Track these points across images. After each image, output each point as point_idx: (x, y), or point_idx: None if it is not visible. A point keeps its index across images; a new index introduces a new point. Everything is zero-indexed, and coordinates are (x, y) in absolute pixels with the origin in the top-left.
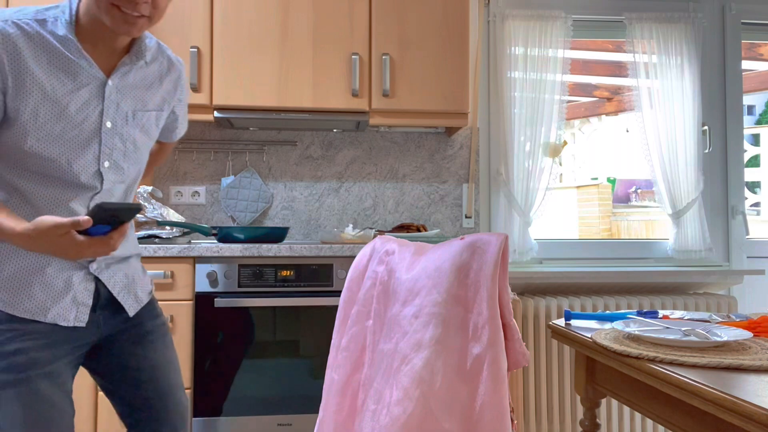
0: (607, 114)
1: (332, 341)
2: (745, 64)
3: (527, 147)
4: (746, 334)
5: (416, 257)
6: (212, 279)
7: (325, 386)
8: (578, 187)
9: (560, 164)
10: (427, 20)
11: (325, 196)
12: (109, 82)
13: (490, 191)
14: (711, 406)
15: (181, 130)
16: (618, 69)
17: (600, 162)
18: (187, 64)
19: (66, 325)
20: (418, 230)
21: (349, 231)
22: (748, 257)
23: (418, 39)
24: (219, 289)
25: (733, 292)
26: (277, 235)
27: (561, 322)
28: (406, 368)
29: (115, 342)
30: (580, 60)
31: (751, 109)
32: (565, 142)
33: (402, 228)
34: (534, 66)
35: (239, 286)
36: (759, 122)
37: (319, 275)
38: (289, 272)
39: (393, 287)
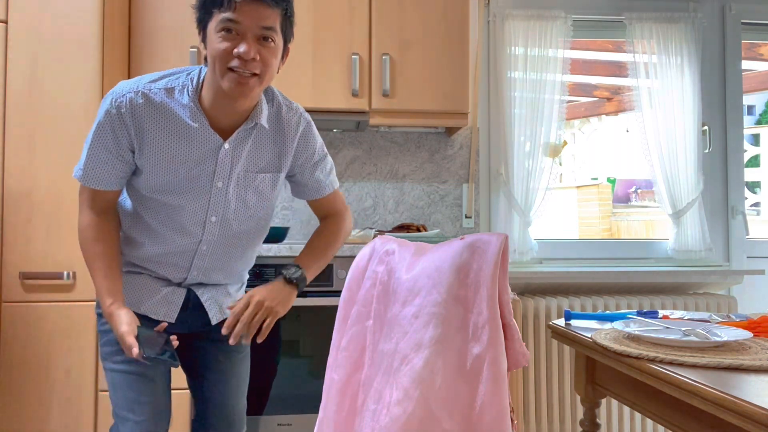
0: (607, 114)
1: (332, 341)
2: (745, 64)
3: (527, 147)
4: (746, 334)
5: (416, 257)
6: None
7: (325, 386)
8: (578, 187)
9: (560, 164)
10: (427, 20)
11: None
12: (225, 145)
13: (490, 191)
14: (711, 406)
15: (322, 189)
16: (618, 69)
17: (600, 162)
18: (186, 65)
19: (155, 318)
20: (418, 230)
21: None
22: (748, 257)
23: (418, 39)
24: None
25: (733, 292)
26: (277, 235)
27: (561, 322)
28: (406, 368)
29: (196, 339)
30: (580, 60)
31: (751, 109)
32: (565, 142)
33: (402, 228)
34: (534, 66)
35: None
36: (759, 122)
37: (319, 275)
38: None
39: (393, 287)
